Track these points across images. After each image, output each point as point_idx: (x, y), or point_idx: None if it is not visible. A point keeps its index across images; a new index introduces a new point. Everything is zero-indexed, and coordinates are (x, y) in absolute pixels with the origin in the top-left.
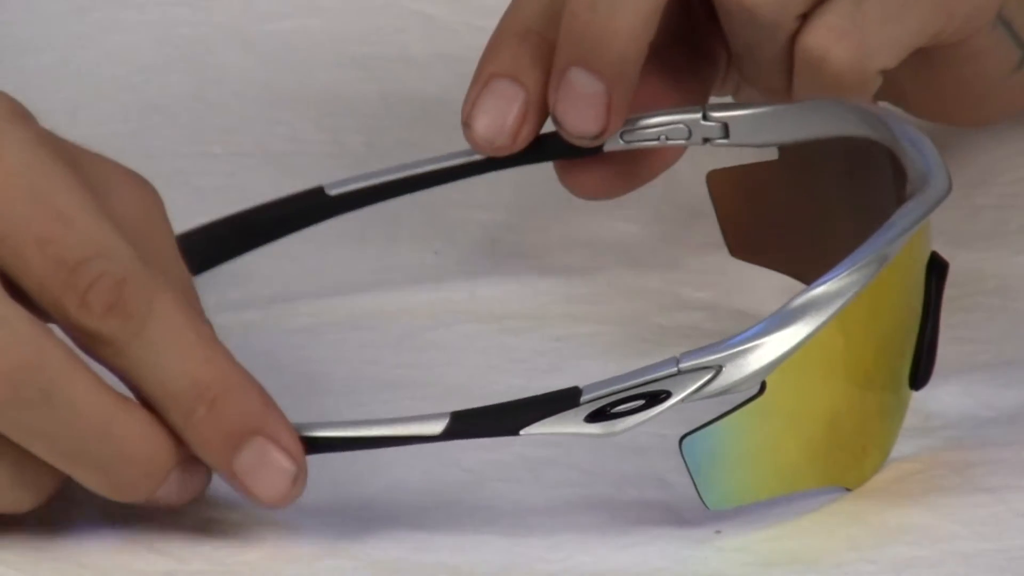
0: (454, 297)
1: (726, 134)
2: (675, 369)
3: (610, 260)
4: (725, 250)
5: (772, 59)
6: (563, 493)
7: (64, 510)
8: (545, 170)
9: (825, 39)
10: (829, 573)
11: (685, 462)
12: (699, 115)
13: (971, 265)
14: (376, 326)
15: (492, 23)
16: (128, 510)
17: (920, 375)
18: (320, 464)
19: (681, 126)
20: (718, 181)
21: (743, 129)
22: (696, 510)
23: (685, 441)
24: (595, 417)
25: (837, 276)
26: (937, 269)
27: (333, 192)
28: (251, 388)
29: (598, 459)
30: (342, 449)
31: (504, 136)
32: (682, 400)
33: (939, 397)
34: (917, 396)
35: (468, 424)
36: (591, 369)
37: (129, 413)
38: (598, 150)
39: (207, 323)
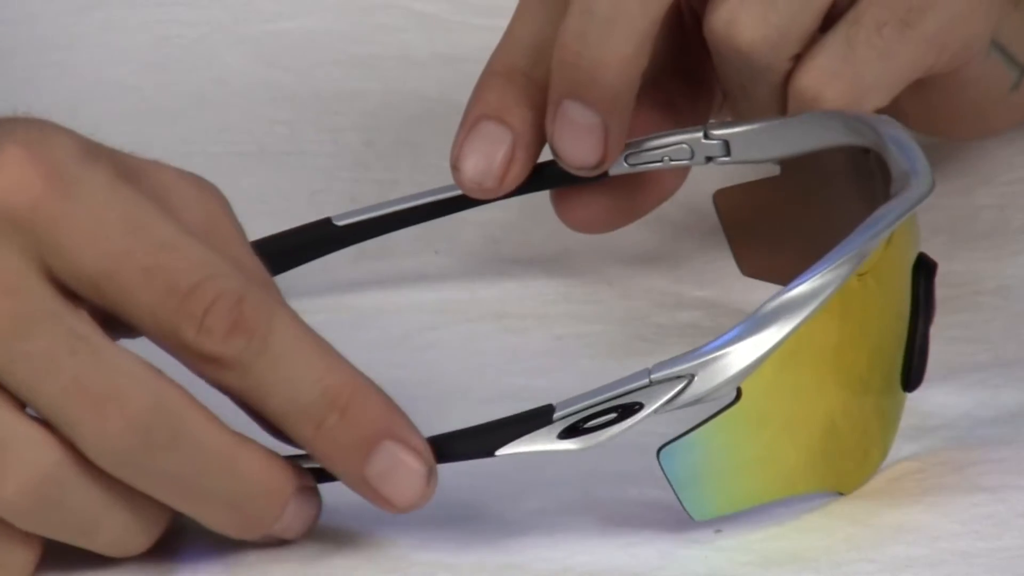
0: (455, 297)
1: (727, 152)
2: (647, 380)
3: (610, 260)
4: (725, 250)
5: (764, 99)
6: (563, 492)
7: None
8: None
9: (818, 80)
10: (828, 573)
11: (664, 473)
12: (700, 134)
13: (971, 265)
14: (377, 326)
15: (492, 22)
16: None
17: (912, 377)
18: None
19: (684, 146)
20: (725, 199)
21: (744, 146)
22: None
23: (663, 452)
24: (568, 433)
25: (810, 278)
26: (925, 269)
27: (341, 223)
28: (376, 392)
29: (598, 458)
30: None
31: (492, 178)
32: (655, 411)
33: (938, 396)
34: (915, 396)
35: (444, 448)
36: (591, 369)
37: (248, 447)
38: (602, 174)
39: None
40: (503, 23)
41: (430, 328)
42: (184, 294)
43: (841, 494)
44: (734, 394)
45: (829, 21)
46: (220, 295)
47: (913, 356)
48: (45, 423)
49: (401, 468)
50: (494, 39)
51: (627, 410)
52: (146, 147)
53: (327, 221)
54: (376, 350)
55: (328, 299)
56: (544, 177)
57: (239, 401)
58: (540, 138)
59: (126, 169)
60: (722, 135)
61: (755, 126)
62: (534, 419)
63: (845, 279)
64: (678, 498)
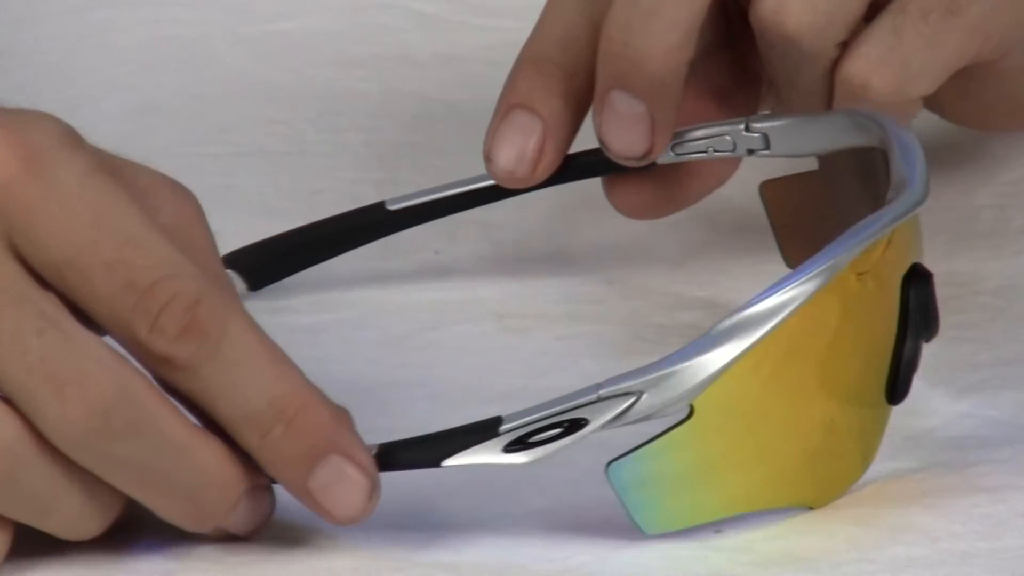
0: (454, 297)
1: (767, 145)
2: (595, 396)
3: (610, 260)
4: (726, 249)
5: (811, 87)
6: (562, 492)
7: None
8: None
9: (865, 68)
10: (828, 573)
11: (612, 487)
12: (742, 126)
13: (971, 265)
14: (377, 326)
15: (491, 22)
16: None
17: (898, 389)
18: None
19: (727, 138)
20: (771, 191)
21: (782, 140)
22: None
23: (611, 467)
24: (514, 446)
25: (771, 295)
26: (918, 280)
27: (393, 207)
28: (324, 404)
29: (597, 459)
30: None
31: (524, 168)
32: (601, 427)
33: (938, 397)
34: (916, 396)
35: (391, 457)
36: (591, 368)
37: (206, 441)
38: (649, 163)
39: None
40: (503, 23)
41: (430, 328)
42: (142, 291)
43: (811, 508)
44: (686, 411)
45: (874, 10)
46: (176, 295)
47: (899, 368)
48: (7, 400)
49: (344, 482)
50: (494, 39)
51: (574, 425)
52: (145, 146)
53: (380, 205)
54: (376, 350)
55: (329, 298)
56: (578, 167)
57: (188, 403)
58: (571, 127)
59: (106, 164)
60: (762, 128)
61: (793, 120)
62: (481, 431)
63: (811, 295)
64: (627, 512)
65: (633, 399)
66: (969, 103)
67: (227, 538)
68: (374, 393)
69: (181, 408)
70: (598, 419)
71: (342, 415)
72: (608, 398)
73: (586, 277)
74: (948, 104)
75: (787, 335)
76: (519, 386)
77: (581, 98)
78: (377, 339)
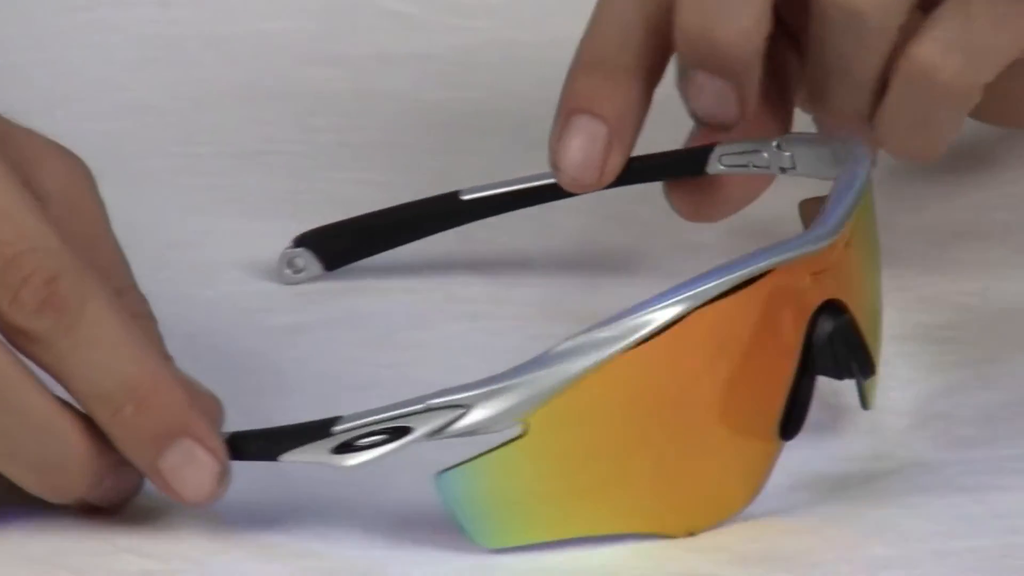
0: (433, 297)
1: (795, 165)
2: (422, 406)
3: (591, 260)
4: (706, 251)
5: (868, 73)
6: None
7: (40, 512)
8: (524, 169)
9: (935, 52)
10: (806, 573)
11: (441, 497)
12: (775, 144)
13: (951, 265)
14: (355, 326)
15: (467, 22)
16: (107, 511)
17: (789, 426)
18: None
19: (764, 155)
20: (809, 209)
21: (808, 162)
22: None
23: (440, 476)
24: (342, 449)
25: (625, 317)
26: (828, 317)
27: (466, 197)
28: (178, 389)
29: None
30: None
31: (591, 173)
32: (424, 437)
33: (917, 396)
34: (894, 396)
35: (236, 446)
36: None
37: (66, 414)
38: (701, 171)
39: (149, 317)
40: (477, 23)
41: (408, 328)
42: (4, 263)
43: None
44: (519, 429)
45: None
46: (37, 269)
47: (795, 404)
48: None
49: (194, 464)
50: (469, 38)
51: (398, 432)
52: (131, 147)
53: (454, 195)
54: (355, 349)
55: (307, 299)
56: (638, 170)
57: (51, 376)
58: (635, 128)
59: None
60: (790, 149)
61: (818, 144)
62: (314, 431)
63: (669, 322)
64: (459, 525)
65: (460, 412)
66: (1008, 99)
67: (206, 539)
68: (348, 393)
69: (44, 382)
70: (421, 429)
71: (201, 401)
72: (435, 409)
73: (565, 277)
74: (983, 101)
75: (646, 359)
76: None
77: (643, 97)
78: (356, 339)
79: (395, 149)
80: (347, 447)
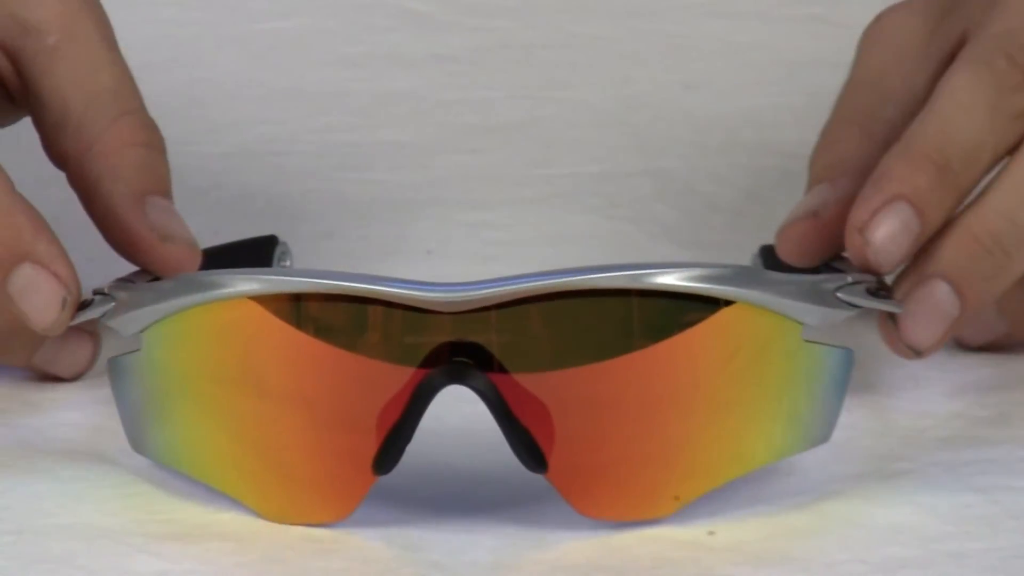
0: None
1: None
2: (105, 288)
3: (600, 258)
4: (718, 249)
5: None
6: (555, 493)
7: (54, 513)
8: (536, 169)
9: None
10: (821, 573)
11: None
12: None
13: None
14: None
15: (483, 22)
16: (120, 512)
17: (383, 462)
18: None
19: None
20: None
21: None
22: (688, 510)
23: (111, 361)
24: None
25: (229, 275)
26: (438, 363)
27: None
28: (20, 218)
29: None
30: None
31: (890, 261)
32: (89, 317)
33: (931, 396)
34: (908, 396)
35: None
36: None
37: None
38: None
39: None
40: (495, 23)
41: None
42: None
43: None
44: (140, 343)
45: None
46: None
47: (390, 441)
48: None
49: (39, 288)
50: (486, 39)
51: (86, 304)
52: None
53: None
54: None
55: None
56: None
57: None
58: (935, 233)
59: None
60: None
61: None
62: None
63: (240, 293)
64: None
65: (111, 304)
66: None
67: (219, 540)
68: None
69: None
70: (91, 310)
71: (39, 222)
72: (105, 294)
73: None
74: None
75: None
76: None
77: (952, 215)
78: None
79: (410, 149)
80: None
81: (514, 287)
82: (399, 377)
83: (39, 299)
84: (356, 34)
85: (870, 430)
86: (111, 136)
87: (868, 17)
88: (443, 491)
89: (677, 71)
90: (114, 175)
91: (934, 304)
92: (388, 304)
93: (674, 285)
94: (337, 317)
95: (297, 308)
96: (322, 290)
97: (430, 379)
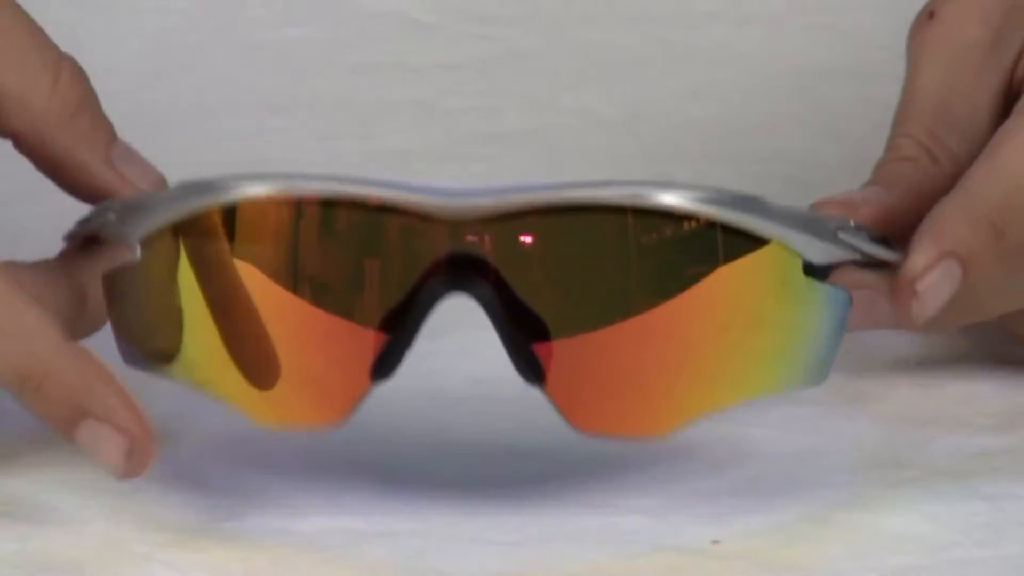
0: (453, 306)
1: None
2: (105, 205)
3: None
4: None
5: None
6: (561, 501)
7: (60, 521)
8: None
9: None
10: None
11: None
12: None
13: None
14: None
15: (490, 31)
16: (127, 520)
17: (382, 366)
18: (316, 471)
19: None
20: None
21: None
22: (695, 518)
23: (106, 275)
24: None
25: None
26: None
27: None
28: (71, 374)
29: (596, 467)
30: None
31: (926, 315)
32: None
33: (936, 405)
34: (916, 404)
35: None
36: None
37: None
38: None
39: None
40: (501, 32)
41: (429, 337)
42: None
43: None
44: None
45: None
46: None
47: (389, 348)
48: None
49: (101, 443)
50: (492, 48)
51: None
52: (144, 153)
53: None
54: None
55: None
56: None
57: None
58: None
59: None
60: None
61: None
62: None
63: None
64: None
65: (112, 215)
66: None
67: (228, 548)
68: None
69: None
70: (100, 218)
71: (97, 376)
72: (106, 211)
73: None
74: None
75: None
76: (516, 395)
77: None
78: None
79: (418, 159)
80: None
81: (521, 197)
82: (402, 283)
83: (105, 454)
84: (362, 43)
85: (876, 438)
86: (56, 104)
87: (877, 26)
88: (449, 497)
89: (684, 79)
90: (78, 146)
91: (950, 280)
92: (393, 211)
93: (675, 205)
94: (340, 222)
95: (300, 212)
96: (326, 195)
97: (432, 285)
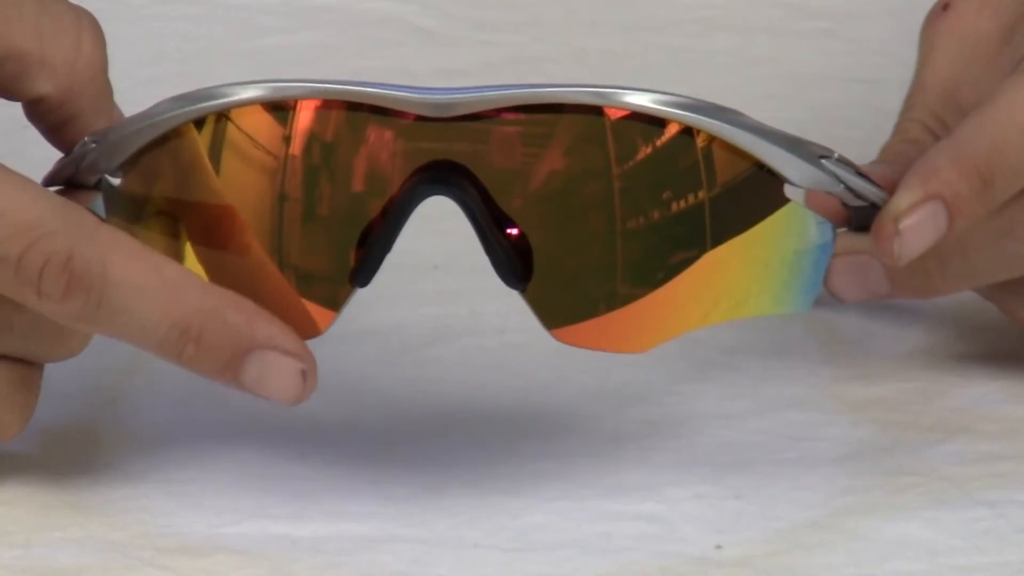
0: (454, 312)
1: None
2: (90, 138)
3: None
4: None
5: None
6: (563, 507)
7: (63, 526)
8: None
9: None
10: None
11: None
12: None
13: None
14: (376, 341)
15: (491, 37)
16: (129, 525)
17: (362, 271)
18: (317, 477)
19: None
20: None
21: None
22: (696, 524)
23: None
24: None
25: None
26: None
27: None
28: (230, 310)
29: (597, 472)
30: None
31: (908, 255)
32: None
33: (938, 410)
34: (917, 409)
35: None
36: (590, 384)
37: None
38: None
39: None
40: (502, 38)
41: (430, 343)
42: (15, 264)
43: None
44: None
45: None
46: (49, 258)
47: (369, 252)
48: None
49: (274, 371)
50: (494, 54)
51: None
52: None
53: None
54: (376, 365)
55: None
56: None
57: None
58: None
59: None
60: None
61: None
62: None
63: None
64: None
65: (94, 146)
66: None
67: (229, 553)
68: (371, 408)
69: None
70: (87, 149)
71: (249, 310)
72: (95, 143)
73: None
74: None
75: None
76: (518, 401)
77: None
78: (377, 354)
79: None
80: None
81: (498, 94)
82: (381, 187)
83: (279, 380)
84: (364, 49)
85: (878, 444)
86: (81, 66)
87: (877, 33)
88: (453, 503)
89: (685, 85)
90: (95, 106)
91: (934, 223)
92: (370, 109)
93: (646, 106)
94: (320, 125)
95: (283, 117)
96: (307, 94)
97: (411, 188)
